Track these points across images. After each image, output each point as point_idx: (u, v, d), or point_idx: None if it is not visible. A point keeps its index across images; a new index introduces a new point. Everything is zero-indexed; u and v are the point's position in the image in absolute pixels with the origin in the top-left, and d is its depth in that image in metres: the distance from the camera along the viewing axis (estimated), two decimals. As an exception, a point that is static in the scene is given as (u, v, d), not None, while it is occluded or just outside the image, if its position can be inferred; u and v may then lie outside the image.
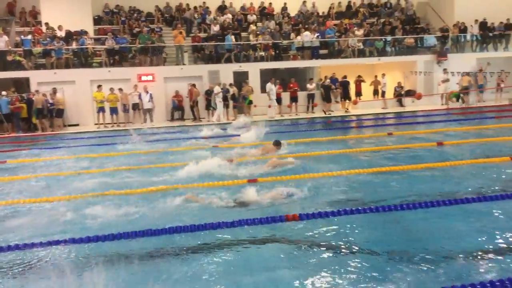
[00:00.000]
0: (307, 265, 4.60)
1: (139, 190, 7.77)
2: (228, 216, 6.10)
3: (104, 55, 20.90)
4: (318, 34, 22.84)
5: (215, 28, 22.90)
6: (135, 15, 24.51)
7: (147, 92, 19.54)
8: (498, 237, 5.11)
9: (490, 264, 4.43)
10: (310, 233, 5.47)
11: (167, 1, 24.80)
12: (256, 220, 5.74)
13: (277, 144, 10.54)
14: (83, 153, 12.42)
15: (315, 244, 5.14)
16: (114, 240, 5.40)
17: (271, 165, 8.91)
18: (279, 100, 20.83)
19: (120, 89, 19.45)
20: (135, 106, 19.76)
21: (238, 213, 6.28)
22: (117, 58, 20.97)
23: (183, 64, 21.35)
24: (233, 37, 22.32)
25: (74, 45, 20.83)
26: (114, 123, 19.56)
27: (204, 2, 25.16)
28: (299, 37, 22.77)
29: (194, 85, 20.16)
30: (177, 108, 20.66)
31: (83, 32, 21.85)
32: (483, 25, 23.70)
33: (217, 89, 19.78)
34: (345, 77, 21.62)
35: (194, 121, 19.98)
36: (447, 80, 21.53)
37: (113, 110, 19.45)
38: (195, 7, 24.93)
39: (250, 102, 20.43)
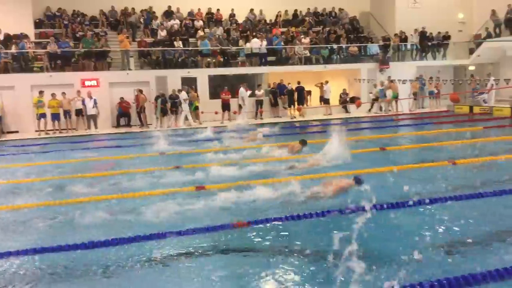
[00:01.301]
0: (257, 271, 4.61)
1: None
2: (175, 225, 6.04)
3: (46, 59, 20.10)
4: (267, 40, 23.14)
5: (162, 33, 22.64)
6: (79, 18, 23.79)
7: (91, 97, 18.96)
8: (438, 237, 5.33)
9: (433, 263, 4.61)
10: (259, 239, 5.49)
11: (112, 5, 24.25)
12: (203, 229, 5.69)
13: (303, 143, 10.53)
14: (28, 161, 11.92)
15: (263, 250, 5.15)
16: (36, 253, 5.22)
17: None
18: (227, 107, 20.80)
19: (63, 94, 18.77)
20: (78, 112, 19.12)
21: (185, 221, 6.22)
22: (59, 62, 20.23)
23: (129, 69, 20.93)
24: (180, 42, 22.15)
25: (13, 49, 19.91)
26: (56, 130, 18.85)
27: (150, 7, 24.81)
28: (248, 44, 22.92)
29: (141, 91, 19.79)
30: (123, 114, 20.20)
31: (23, 36, 20.95)
32: (422, 35, 24.80)
33: (183, 94, 19.83)
34: (298, 83, 21.99)
35: (141, 128, 19.60)
36: (390, 88, 22.30)
37: (55, 117, 18.71)
38: (141, 11, 24.52)
39: (196, 108, 20.33)
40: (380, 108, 22.54)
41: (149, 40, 22.71)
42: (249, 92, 21.29)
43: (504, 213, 6.18)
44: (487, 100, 21.00)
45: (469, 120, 18.21)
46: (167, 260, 5.02)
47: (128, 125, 20.19)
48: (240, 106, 21.06)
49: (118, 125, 20.16)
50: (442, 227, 5.71)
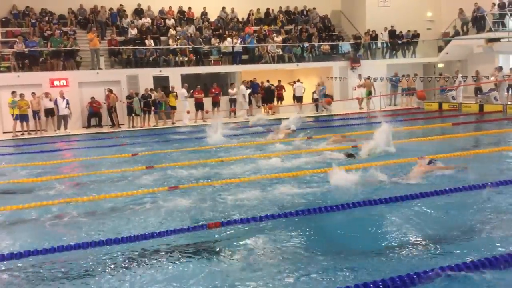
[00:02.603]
0: (231, 272, 4.59)
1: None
2: (149, 226, 5.97)
3: (13, 59, 19.55)
4: (241, 39, 23.14)
5: (133, 32, 22.34)
6: (47, 17, 23.21)
7: (63, 97, 18.54)
8: (408, 235, 5.41)
9: (400, 260, 4.68)
10: (233, 240, 5.46)
11: (81, 3, 23.77)
12: (176, 230, 5.63)
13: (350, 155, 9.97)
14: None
15: (237, 250, 5.13)
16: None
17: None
18: (200, 106, 20.67)
19: (33, 94, 18.29)
20: (48, 113, 18.67)
21: (160, 223, 6.15)
22: (27, 62, 19.72)
23: (99, 69, 20.58)
24: (151, 41, 21.90)
25: (-23, 48, 19.35)
26: (25, 131, 18.38)
27: (121, 5, 24.43)
28: (226, 42, 22.85)
29: (111, 91, 19.48)
30: (93, 114, 19.84)
31: (-12, 35, 20.41)
32: (392, 33, 25.18)
33: (183, 92, 20.11)
34: (268, 81, 22.07)
35: (112, 128, 19.30)
36: (362, 86, 22.62)
37: (23, 118, 18.22)
38: (110, 10, 24.12)
39: (165, 107, 20.13)
40: (316, 109, 22.69)
41: (120, 38, 22.36)
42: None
43: (470, 209, 6.31)
44: (456, 96, 21.47)
45: (439, 116, 18.58)
46: (139, 262, 4.94)
47: (99, 125, 19.85)
48: (232, 102, 21.43)
49: (88, 126, 19.79)
50: (410, 224, 5.80)
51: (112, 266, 4.88)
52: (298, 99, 22.82)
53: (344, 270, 4.50)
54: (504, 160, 9.63)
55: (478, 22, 22.49)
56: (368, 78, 22.31)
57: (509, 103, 19.02)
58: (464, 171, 7.99)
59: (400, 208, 6.34)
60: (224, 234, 5.65)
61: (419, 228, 5.57)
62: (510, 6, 20.96)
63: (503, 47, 19.65)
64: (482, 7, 22.35)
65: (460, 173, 7.95)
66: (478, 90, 20.61)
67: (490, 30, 20.10)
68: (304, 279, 4.36)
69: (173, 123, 19.96)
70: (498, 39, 19.39)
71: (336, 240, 5.47)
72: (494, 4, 22.42)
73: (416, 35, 25.42)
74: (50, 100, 18.53)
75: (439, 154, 9.45)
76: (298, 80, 22.87)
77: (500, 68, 20.02)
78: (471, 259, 4.38)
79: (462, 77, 21.35)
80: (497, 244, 4.93)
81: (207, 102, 21.02)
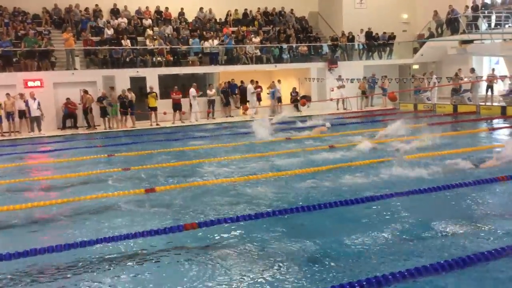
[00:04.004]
0: (207, 274, 4.57)
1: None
2: (124, 228, 5.90)
3: (-15, 59, 19.12)
4: (223, 39, 23.14)
5: (109, 32, 22.08)
6: (20, 17, 22.73)
7: (34, 98, 18.18)
8: (383, 234, 5.48)
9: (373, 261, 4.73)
10: (210, 241, 5.44)
11: (55, 3, 23.37)
12: (152, 232, 5.58)
13: None
14: None
15: (214, 251, 5.11)
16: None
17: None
18: (178, 106, 20.53)
19: (8, 95, 17.88)
20: (22, 114, 18.29)
21: (135, 225, 6.08)
22: (0, 62, 19.27)
23: (75, 69, 20.27)
24: (128, 41, 21.68)
25: None
26: (-2, 133, 17.99)
27: (96, 5, 24.11)
28: (206, 43, 22.78)
29: (86, 91, 19.20)
30: (68, 115, 19.53)
31: (-41, 34, 19.86)
32: (368, 35, 25.48)
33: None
34: (242, 82, 22.06)
35: (88, 129, 19.02)
36: (342, 86, 22.84)
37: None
38: (86, 9, 23.78)
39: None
40: (296, 109, 22.79)
41: (96, 39, 22.06)
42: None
43: (445, 208, 6.42)
44: (430, 97, 21.85)
45: (414, 117, 18.86)
46: (114, 264, 4.88)
47: (75, 126, 19.54)
48: (210, 103, 21.47)
49: (64, 127, 19.46)
50: (391, 222, 5.88)
51: (85, 269, 4.81)
52: (279, 99, 22.87)
53: (326, 270, 4.54)
54: None
55: (452, 24, 22.90)
56: (364, 78, 22.80)
57: (485, 103, 19.48)
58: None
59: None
60: (201, 234, 5.62)
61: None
62: (483, 8, 21.42)
63: (476, 49, 20.07)
64: (456, 10, 22.78)
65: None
66: (455, 91, 21.02)
67: (464, 32, 20.49)
68: (282, 279, 4.38)
69: (157, 124, 19.76)
70: (471, 41, 19.79)
71: (315, 240, 5.47)
72: (467, 6, 22.88)
73: (392, 37, 25.78)
74: (24, 101, 18.17)
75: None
76: (279, 81, 22.92)
77: (472, 70, 20.47)
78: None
79: (436, 78, 21.76)
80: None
81: (185, 103, 20.88)
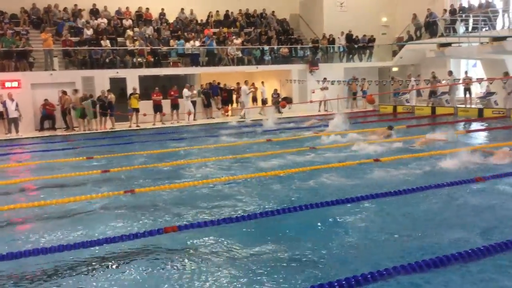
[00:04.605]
0: (187, 277, 4.54)
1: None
2: (104, 231, 5.83)
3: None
4: (204, 40, 23.08)
5: (89, 32, 21.82)
6: (-3, 16, 22.32)
7: (12, 99, 17.83)
8: (365, 236, 5.52)
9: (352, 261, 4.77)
10: (190, 244, 5.40)
11: (34, 2, 22.98)
12: (132, 235, 5.52)
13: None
14: None
15: (194, 254, 5.08)
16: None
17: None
18: (159, 108, 20.38)
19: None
20: (-1, 116, 17.95)
21: (115, 227, 6.02)
22: (-24, 63, 18.90)
23: (53, 70, 19.96)
24: (108, 42, 21.46)
25: None
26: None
27: (75, 5, 23.80)
28: (188, 44, 22.67)
29: (65, 92, 18.93)
30: (47, 117, 19.22)
31: None
32: (349, 37, 25.69)
33: (185, 92, 20.62)
34: (224, 84, 22.05)
35: (66, 131, 18.75)
36: (325, 88, 22.98)
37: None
38: (64, 9, 23.45)
39: (83, 115, 18.78)
40: (278, 110, 22.92)
41: (75, 39, 21.77)
42: (250, 91, 22.17)
43: (424, 209, 6.51)
44: (409, 100, 22.13)
45: (393, 119, 19.08)
46: (93, 268, 4.82)
47: (53, 128, 19.24)
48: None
49: (42, 129, 19.14)
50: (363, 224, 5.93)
51: (62, 274, 4.74)
52: (263, 101, 22.85)
53: (307, 271, 4.55)
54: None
55: (430, 27, 23.26)
56: (356, 79, 23.14)
57: (465, 105, 19.83)
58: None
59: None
60: (182, 237, 5.58)
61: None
62: (460, 12, 21.79)
63: (454, 52, 20.40)
64: (434, 13, 23.15)
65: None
66: (432, 93, 21.36)
67: (442, 35, 20.81)
68: (262, 281, 4.38)
69: (137, 126, 19.56)
70: (449, 44, 20.10)
71: (296, 242, 5.48)
72: (445, 10, 23.26)
73: (372, 40, 26.05)
74: (1, 102, 17.82)
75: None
76: (263, 83, 22.92)
77: (450, 73, 20.82)
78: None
79: (415, 80, 22.06)
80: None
81: (166, 104, 20.75)
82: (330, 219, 6.18)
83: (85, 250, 5.24)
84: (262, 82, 23.04)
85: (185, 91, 20.81)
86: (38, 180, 9.29)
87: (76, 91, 19.04)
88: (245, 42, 24.38)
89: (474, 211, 6.22)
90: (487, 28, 19.06)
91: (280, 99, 23.38)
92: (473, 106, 19.71)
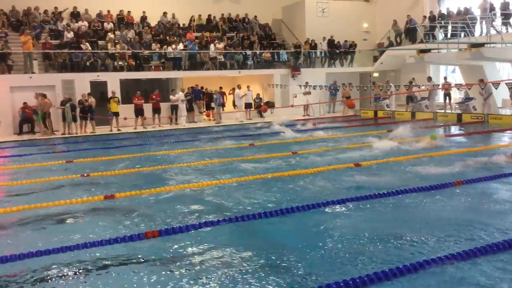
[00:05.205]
0: (168, 283, 4.51)
1: None
2: (84, 236, 5.75)
3: None
4: (187, 44, 23.03)
5: (69, 35, 21.57)
6: (-25, 18, 21.92)
7: (-11, 103, 17.55)
8: (345, 239, 5.55)
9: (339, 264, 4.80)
10: (171, 249, 5.37)
11: (13, 4, 22.63)
12: (111, 240, 5.47)
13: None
14: None
15: (175, 259, 5.05)
16: None
17: None
18: (140, 112, 20.21)
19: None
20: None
21: (95, 232, 5.94)
22: (-46, 65, 18.51)
23: (33, 73, 19.67)
24: (88, 44, 21.24)
25: None
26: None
27: (56, 7, 23.53)
28: (170, 48, 22.57)
29: (45, 95, 18.66)
30: (26, 120, 18.92)
31: None
32: (330, 43, 25.91)
33: (180, 94, 20.88)
34: (202, 87, 22.02)
35: (46, 134, 18.46)
36: (308, 93, 23.11)
37: None
38: (45, 12, 23.16)
39: (43, 117, 18.46)
40: (260, 115, 22.97)
41: (55, 42, 21.50)
42: (244, 95, 22.40)
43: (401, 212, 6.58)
44: (389, 105, 22.40)
45: (374, 124, 19.28)
46: (72, 273, 4.75)
47: (32, 131, 18.94)
48: (174, 109, 21.35)
49: (20, 132, 18.83)
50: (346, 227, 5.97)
51: (40, 280, 4.65)
52: (248, 105, 22.84)
53: (288, 276, 4.55)
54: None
55: (410, 33, 23.60)
56: (350, 83, 23.53)
57: (445, 110, 20.14)
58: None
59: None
60: (162, 242, 5.54)
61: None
62: (440, 19, 22.16)
63: (433, 58, 20.72)
64: (414, 19, 23.52)
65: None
66: (409, 99, 21.64)
67: (422, 42, 21.13)
68: (242, 286, 4.37)
69: (118, 130, 19.37)
70: (428, 50, 20.41)
71: (277, 246, 5.49)
72: (425, 16, 23.64)
73: (353, 45, 26.31)
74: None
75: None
76: (239, 87, 22.92)
77: (429, 78, 21.15)
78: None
79: (394, 86, 22.41)
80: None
81: (148, 108, 20.59)
82: (313, 223, 6.20)
83: (63, 255, 5.17)
84: (248, 87, 23.01)
85: (181, 94, 20.96)
86: (15, 186, 9.11)
87: (41, 95, 18.48)
88: (227, 47, 24.39)
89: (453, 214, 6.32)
90: (465, 35, 19.43)
91: (262, 104, 23.43)
92: (452, 111, 20.02)
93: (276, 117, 20.91)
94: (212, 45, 23.68)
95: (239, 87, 22.58)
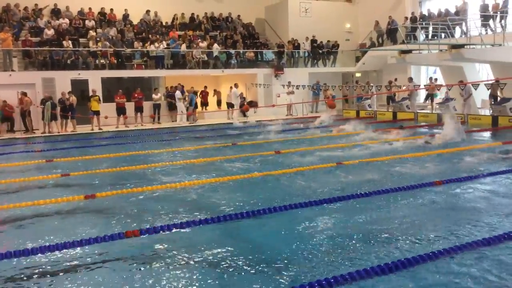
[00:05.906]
0: (148, 283, 4.48)
1: None
2: (63, 236, 5.68)
3: None
4: (169, 42, 22.88)
5: (49, 32, 21.27)
6: (-48, 14, 21.46)
7: (-33, 101, 17.20)
8: (330, 239, 5.59)
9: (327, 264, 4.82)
10: (152, 249, 5.33)
11: (-8, 1, 22.25)
12: (91, 239, 5.41)
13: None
14: None
15: (155, 259, 5.02)
16: None
17: None
18: (122, 111, 20.03)
19: None
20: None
21: (75, 232, 5.86)
22: None
23: (12, 70, 19.34)
24: (69, 42, 20.97)
25: None
26: None
27: (36, 4, 23.17)
28: (152, 46, 22.39)
29: (25, 94, 18.37)
30: (5, 119, 18.58)
31: None
32: (313, 43, 26.03)
33: (178, 94, 20.87)
34: (182, 87, 21.92)
35: (25, 133, 18.18)
36: (292, 92, 23.17)
37: None
38: (25, 9, 22.79)
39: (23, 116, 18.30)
40: (187, 118, 22.92)
41: (35, 39, 21.17)
42: (240, 94, 22.46)
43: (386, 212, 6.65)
44: (371, 105, 22.60)
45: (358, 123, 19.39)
46: (50, 274, 4.68)
47: (11, 130, 18.63)
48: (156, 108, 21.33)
49: (-1, 131, 18.51)
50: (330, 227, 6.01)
51: (18, 281, 4.58)
52: (231, 105, 22.77)
53: (274, 275, 4.56)
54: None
55: (392, 34, 23.86)
56: (325, 83, 23.51)
57: (423, 111, 20.39)
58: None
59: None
60: (143, 242, 5.50)
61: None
62: (421, 20, 22.43)
63: (414, 59, 20.96)
64: (395, 21, 23.77)
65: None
66: (390, 99, 21.86)
67: (403, 42, 21.37)
68: (224, 285, 4.36)
69: (100, 129, 19.15)
70: (410, 51, 20.64)
71: (261, 245, 5.49)
72: (406, 18, 23.90)
73: (335, 46, 26.48)
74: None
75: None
76: (236, 86, 22.80)
77: (410, 79, 21.39)
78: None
79: (376, 86, 22.64)
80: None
81: (130, 107, 20.41)
82: (299, 222, 6.22)
83: (42, 256, 5.10)
84: (236, 84, 22.87)
85: (178, 93, 20.88)
86: None
87: (22, 93, 18.22)
88: (210, 46, 24.32)
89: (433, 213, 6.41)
90: (446, 36, 19.69)
91: (245, 103, 23.40)
92: (433, 111, 20.27)
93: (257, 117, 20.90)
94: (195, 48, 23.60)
95: (236, 85, 22.49)
